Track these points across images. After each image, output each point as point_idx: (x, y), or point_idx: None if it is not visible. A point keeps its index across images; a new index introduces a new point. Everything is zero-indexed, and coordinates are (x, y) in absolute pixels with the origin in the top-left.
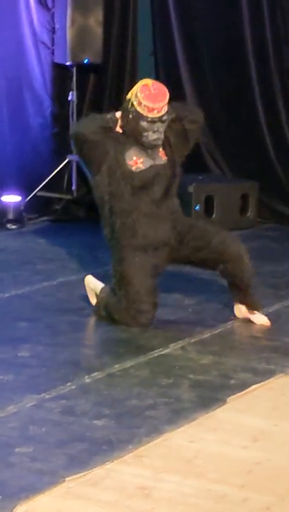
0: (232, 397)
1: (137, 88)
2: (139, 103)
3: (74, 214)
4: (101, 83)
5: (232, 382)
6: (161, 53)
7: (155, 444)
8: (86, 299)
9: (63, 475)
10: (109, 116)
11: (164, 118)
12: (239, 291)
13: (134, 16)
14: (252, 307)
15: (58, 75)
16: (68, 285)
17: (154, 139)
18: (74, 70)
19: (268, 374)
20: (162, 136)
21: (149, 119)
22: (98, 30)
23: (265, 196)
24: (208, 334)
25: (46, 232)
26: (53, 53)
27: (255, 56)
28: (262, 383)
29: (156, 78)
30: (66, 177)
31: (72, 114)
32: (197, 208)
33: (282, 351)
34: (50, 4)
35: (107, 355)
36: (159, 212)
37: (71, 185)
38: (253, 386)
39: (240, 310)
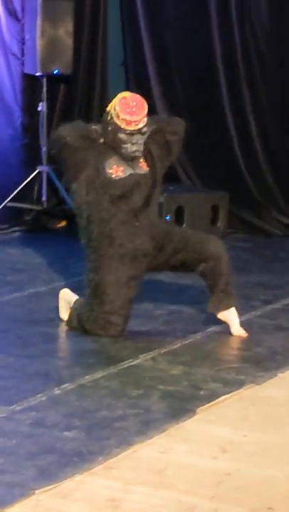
0: (202, 407)
1: (115, 101)
2: (118, 116)
3: (44, 225)
4: (71, 94)
5: (202, 392)
6: (131, 63)
7: (125, 455)
8: (57, 310)
9: (33, 487)
10: (94, 127)
11: (144, 130)
12: (219, 291)
13: (104, 27)
14: (228, 305)
15: (28, 86)
16: (39, 296)
17: (134, 151)
18: (44, 80)
19: (237, 384)
20: (142, 147)
21: (127, 132)
22: (68, 41)
23: (235, 207)
24: (179, 344)
25: (16, 242)
26: (23, 64)
27: (225, 68)
28: (232, 393)
29: (127, 88)
30: (36, 188)
31: (43, 124)
32: (168, 218)
33: (252, 361)
34: (19, 15)
35: (77, 366)
36: (138, 222)
37: (41, 196)
38: (223, 396)
39: (224, 314)
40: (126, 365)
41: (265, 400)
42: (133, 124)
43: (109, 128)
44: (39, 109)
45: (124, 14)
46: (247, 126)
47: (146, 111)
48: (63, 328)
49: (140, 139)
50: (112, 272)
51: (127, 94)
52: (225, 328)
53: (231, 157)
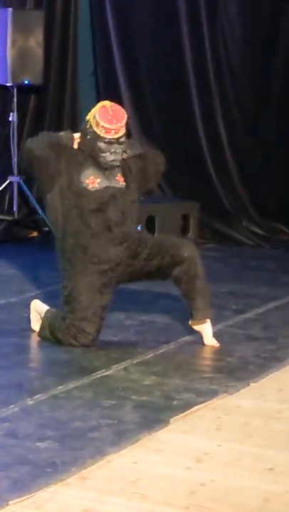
0: (175, 417)
1: (95, 110)
2: (97, 124)
3: (15, 235)
4: (42, 104)
5: (175, 403)
6: (101, 73)
7: (99, 466)
8: (28, 320)
9: (6, 498)
10: (63, 133)
11: (122, 140)
12: (194, 295)
13: (75, 37)
14: (204, 314)
15: None
16: (10, 306)
17: (112, 160)
18: (15, 90)
19: (210, 394)
20: (120, 157)
21: (106, 140)
22: (38, 51)
23: (206, 216)
24: (151, 355)
25: None
26: None
27: (195, 78)
28: (205, 404)
29: (97, 99)
30: (7, 198)
31: (13, 135)
32: (139, 228)
33: (225, 371)
34: None
35: (50, 376)
36: (113, 236)
37: (12, 206)
38: (196, 407)
39: (200, 326)
40: (99, 376)
41: (238, 409)
42: (112, 132)
43: (88, 137)
44: (10, 119)
45: (95, 24)
46: (218, 135)
47: (125, 120)
48: (35, 339)
49: (118, 149)
50: (85, 280)
51: (106, 103)
52: (197, 338)
53: (202, 167)
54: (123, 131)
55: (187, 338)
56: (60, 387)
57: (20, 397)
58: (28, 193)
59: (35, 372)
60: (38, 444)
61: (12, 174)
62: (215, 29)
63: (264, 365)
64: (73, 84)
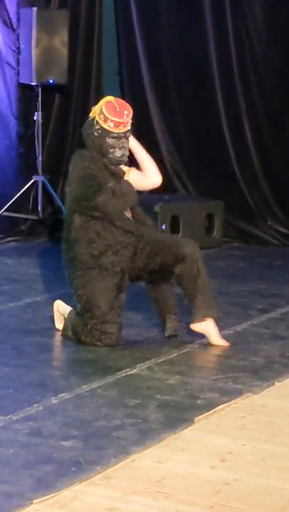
0: (199, 417)
1: (100, 106)
2: (105, 119)
3: (40, 234)
4: (66, 103)
5: (199, 402)
6: (126, 73)
7: (123, 465)
8: (52, 319)
9: (31, 497)
10: (87, 164)
11: (128, 134)
12: (195, 294)
13: (99, 36)
14: (205, 312)
15: (24, 96)
16: (34, 306)
17: (121, 155)
18: (39, 90)
19: (235, 393)
20: (127, 153)
21: (115, 135)
22: (63, 51)
23: (230, 216)
24: (175, 354)
25: (12, 252)
26: (18, 74)
27: (220, 77)
28: (229, 403)
29: (122, 97)
30: (32, 197)
31: (38, 134)
32: (163, 227)
33: (249, 370)
34: (15, 25)
35: (74, 375)
36: (123, 239)
37: (37, 206)
38: (221, 406)
39: (200, 326)
40: (123, 375)
41: (263, 409)
42: (121, 126)
43: (96, 134)
44: (35, 118)
45: (119, 24)
46: (242, 134)
47: (131, 114)
48: (59, 338)
49: (126, 143)
50: (100, 285)
51: (110, 98)
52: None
53: (227, 166)
54: (130, 125)
55: None
56: (85, 386)
57: (44, 396)
58: (52, 192)
59: (59, 371)
60: (62, 443)
61: (37, 173)
62: (239, 27)
63: None
64: (98, 84)
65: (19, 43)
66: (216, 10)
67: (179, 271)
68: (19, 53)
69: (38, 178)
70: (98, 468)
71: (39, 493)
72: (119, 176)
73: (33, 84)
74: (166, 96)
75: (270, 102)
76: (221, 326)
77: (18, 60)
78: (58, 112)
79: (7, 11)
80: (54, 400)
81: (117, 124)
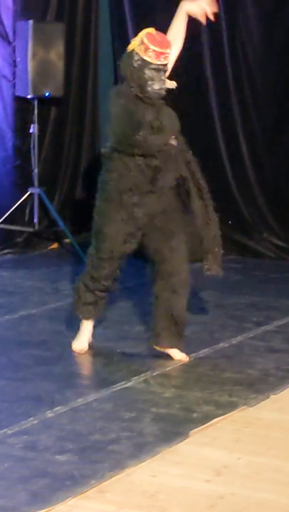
0: (194, 430)
1: (141, 36)
2: (146, 49)
3: (36, 246)
4: (62, 116)
5: (194, 415)
6: None
7: (118, 478)
8: (48, 332)
9: (26, 511)
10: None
11: (166, 68)
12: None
13: (95, 49)
14: (172, 345)
15: (20, 108)
16: (30, 318)
17: (159, 89)
18: (35, 102)
19: (230, 406)
20: (165, 87)
21: (154, 67)
22: (59, 64)
23: (226, 228)
24: (171, 367)
25: (8, 264)
26: (14, 86)
27: (215, 91)
28: (224, 416)
29: None
30: (28, 210)
31: (34, 146)
32: None
33: (245, 383)
34: (11, 38)
35: (69, 389)
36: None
37: (33, 218)
38: (216, 419)
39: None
40: (118, 388)
41: (259, 422)
42: (162, 57)
43: (135, 66)
44: (31, 131)
45: (115, 36)
46: (238, 147)
47: (171, 46)
48: (55, 351)
49: (164, 77)
50: (115, 222)
51: (151, 29)
52: (216, 351)
53: (222, 178)
54: (169, 58)
55: (207, 350)
56: (80, 399)
57: (39, 409)
58: (48, 204)
59: (55, 384)
60: (57, 456)
61: (33, 186)
62: (235, 40)
63: (285, 377)
64: (94, 97)
65: (15, 56)
66: (212, 27)
67: (156, 290)
68: (15, 66)
69: (34, 190)
70: (93, 482)
71: (34, 508)
72: (157, 107)
73: (29, 97)
74: None
75: (265, 118)
76: (216, 339)
77: (14, 72)
78: (54, 124)
79: (3, 24)
80: (49, 414)
81: (158, 55)
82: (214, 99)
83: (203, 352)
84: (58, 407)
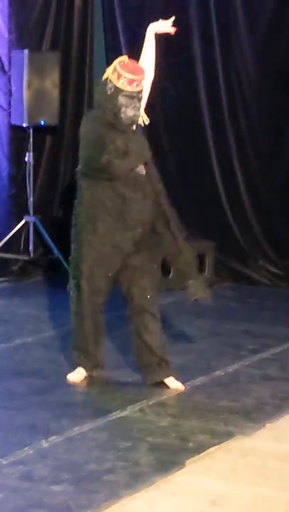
0: (190, 459)
1: (114, 65)
2: (119, 76)
3: (31, 274)
4: (58, 144)
5: (190, 444)
6: None
7: (113, 509)
8: (43, 360)
9: None
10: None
11: (141, 95)
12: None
13: (90, 77)
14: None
15: (15, 137)
16: (25, 347)
17: (133, 115)
18: (31, 131)
19: (226, 436)
20: (139, 113)
21: (128, 94)
22: (54, 92)
23: (222, 255)
24: (167, 396)
25: (3, 293)
26: (9, 115)
27: (210, 117)
28: (220, 445)
29: None
30: (23, 238)
31: (29, 175)
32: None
33: (241, 412)
34: (6, 67)
35: (65, 418)
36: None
37: (28, 246)
38: (212, 448)
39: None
40: (114, 417)
41: (255, 451)
42: (135, 83)
43: (108, 93)
44: (26, 159)
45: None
46: (233, 174)
47: (144, 73)
48: (50, 380)
49: (138, 104)
50: (93, 257)
51: (124, 58)
52: (212, 379)
53: (217, 205)
54: (142, 85)
55: (203, 378)
56: (76, 428)
57: (35, 439)
58: (43, 232)
59: (50, 413)
60: (52, 487)
61: (28, 214)
62: (229, 66)
63: (281, 405)
64: None
65: (10, 85)
66: (206, 49)
67: (130, 324)
68: (11, 95)
69: (30, 218)
70: None
71: None
72: (128, 133)
73: (24, 125)
74: (157, 136)
75: (260, 145)
76: (212, 367)
77: (9, 102)
78: (49, 153)
79: None
80: (45, 444)
81: (131, 81)
82: (209, 129)
83: (199, 380)
84: (54, 437)
